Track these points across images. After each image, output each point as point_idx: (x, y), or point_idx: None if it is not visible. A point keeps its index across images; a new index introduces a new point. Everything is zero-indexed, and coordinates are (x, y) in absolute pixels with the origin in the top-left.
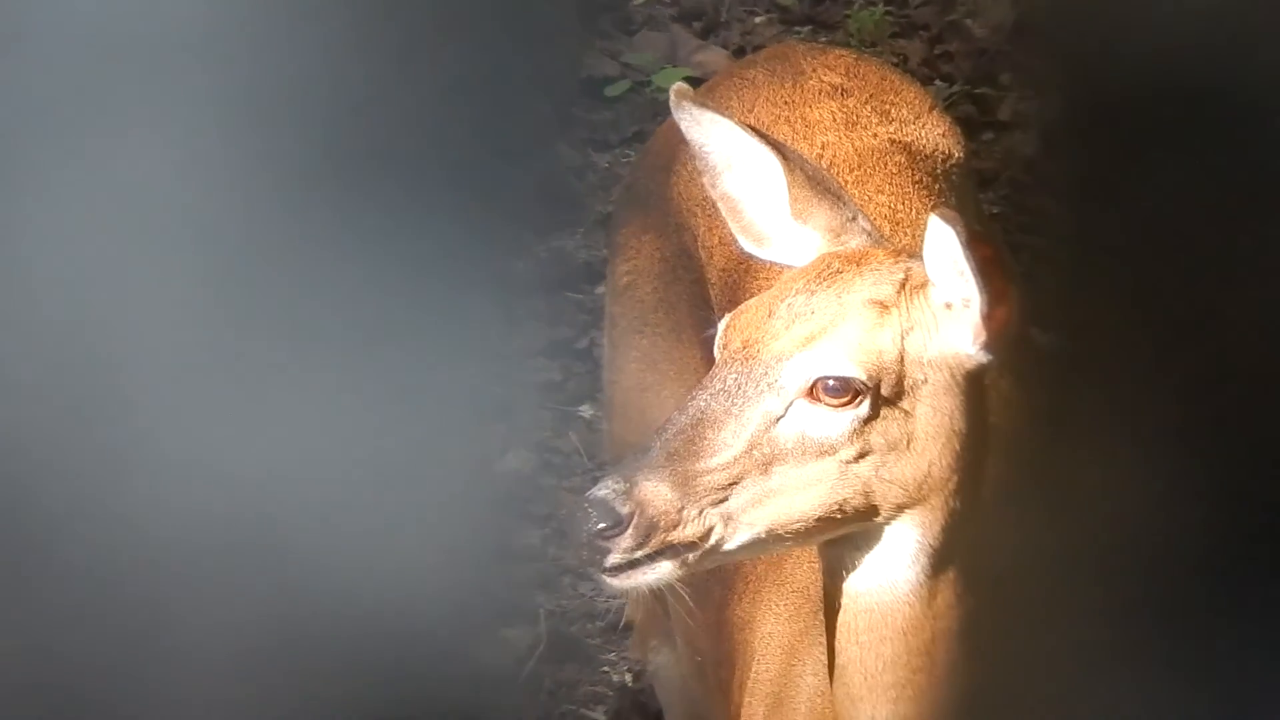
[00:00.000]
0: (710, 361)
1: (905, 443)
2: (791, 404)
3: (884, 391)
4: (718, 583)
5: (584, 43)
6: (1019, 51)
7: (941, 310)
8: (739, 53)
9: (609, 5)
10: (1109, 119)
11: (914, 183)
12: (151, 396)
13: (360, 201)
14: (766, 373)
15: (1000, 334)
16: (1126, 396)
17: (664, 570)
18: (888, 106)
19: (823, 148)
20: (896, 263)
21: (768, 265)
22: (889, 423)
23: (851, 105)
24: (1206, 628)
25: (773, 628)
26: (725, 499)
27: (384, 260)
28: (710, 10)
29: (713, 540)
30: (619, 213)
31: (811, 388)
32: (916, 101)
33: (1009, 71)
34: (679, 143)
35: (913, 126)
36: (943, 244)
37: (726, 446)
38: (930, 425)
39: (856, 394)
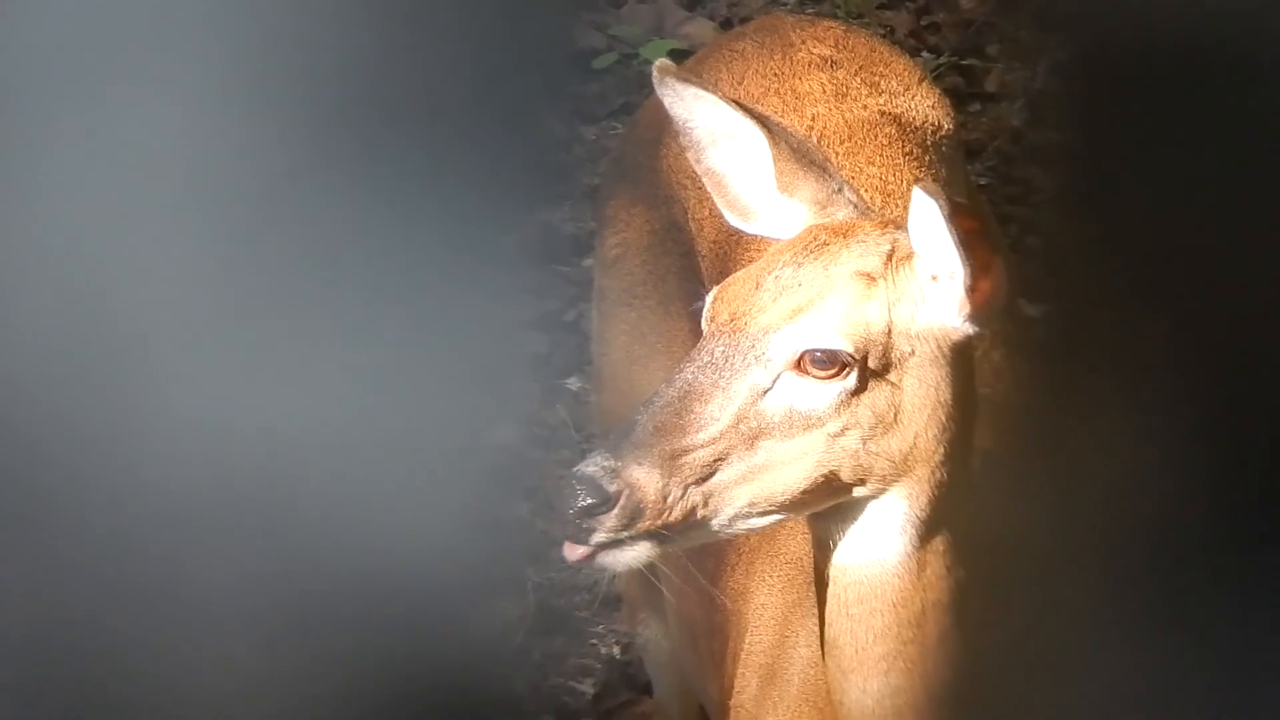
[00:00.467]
0: (698, 334)
1: (892, 415)
2: (779, 377)
3: (871, 364)
4: (710, 554)
5: (571, 15)
6: (1006, 23)
7: (927, 282)
8: (726, 24)
9: None
10: (1097, 89)
11: (904, 154)
12: (161, 358)
13: (349, 176)
14: (753, 345)
15: (985, 306)
16: (1123, 370)
17: (643, 549)
18: (877, 78)
19: (813, 119)
20: (883, 234)
21: (760, 237)
22: (876, 395)
23: (841, 77)
24: (1206, 600)
25: (766, 599)
26: (712, 474)
27: (368, 230)
28: None
29: (698, 517)
30: (607, 185)
31: (799, 360)
32: (906, 73)
33: (996, 43)
34: (668, 116)
35: (903, 98)
36: (926, 217)
37: (713, 420)
38: (917, 397)
39: (844, 366)
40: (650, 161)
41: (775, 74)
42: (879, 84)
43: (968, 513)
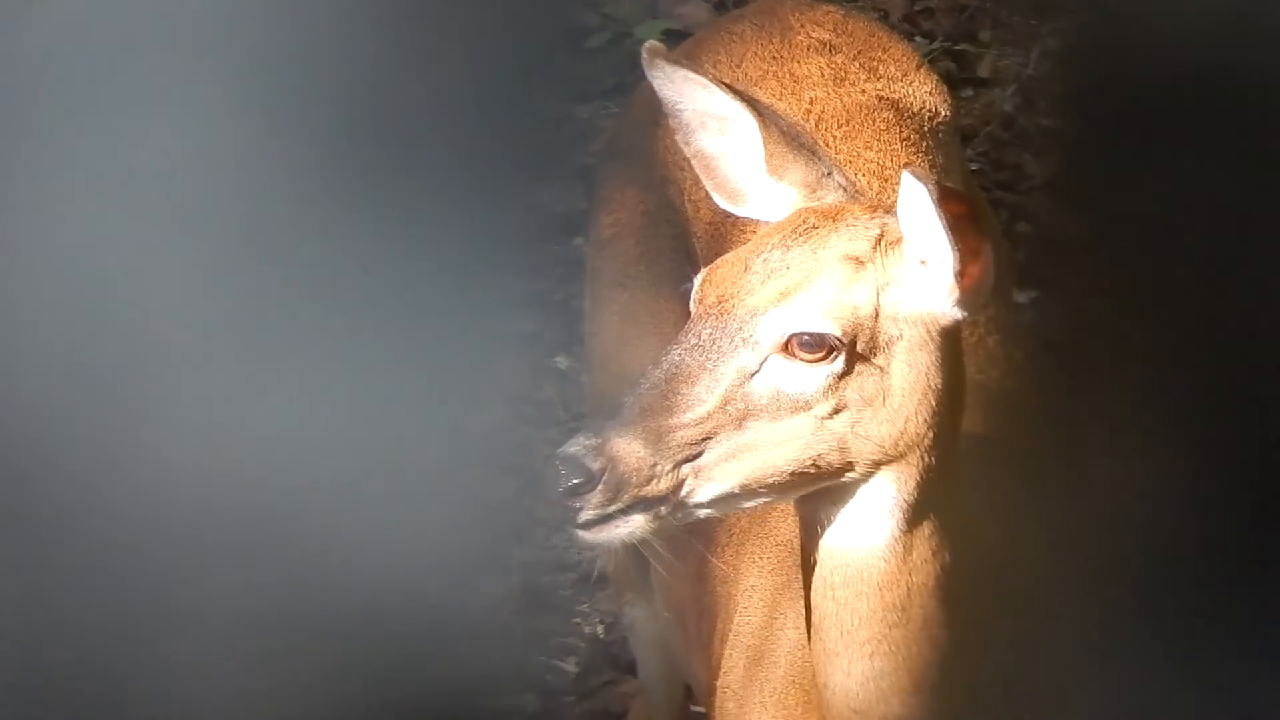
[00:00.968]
0: (689, 316)
1: (881, 399)
2: (766, 359)
3: (859, 347)
4: (700, 535)
5: None
6: (999, 8)
7: (916, 266)
8: (720, 6)
9: None
10: (1086, 78)
11: (901, 139)
12: (168, 368)
13: (340, 156)
14: (741, 328)
15: (974, 291)
16: (1114, 361)
17: (636, 524)
18: (876, 63)
19: (811, 103)
20: (872, 218)
21: (753, 221)
22: (864, 378)
23: (840, 61)
24: (1194, 595)
25: (755, 581)
26: (699, 454)
27: (365, 213)
28: None
29: (684, 493)
30: (602, 166)
31: (786, 343)
32: (904, 59)
33: (989, 28)
34: (659, 100)
35: (900, 83)
36: (915, 202)
37: (700, 402)
38: (906, 381)
39: (831, 349)
40: (646, 143)
41: (774, 57)
42: (877, 69)
43: (955, 498)
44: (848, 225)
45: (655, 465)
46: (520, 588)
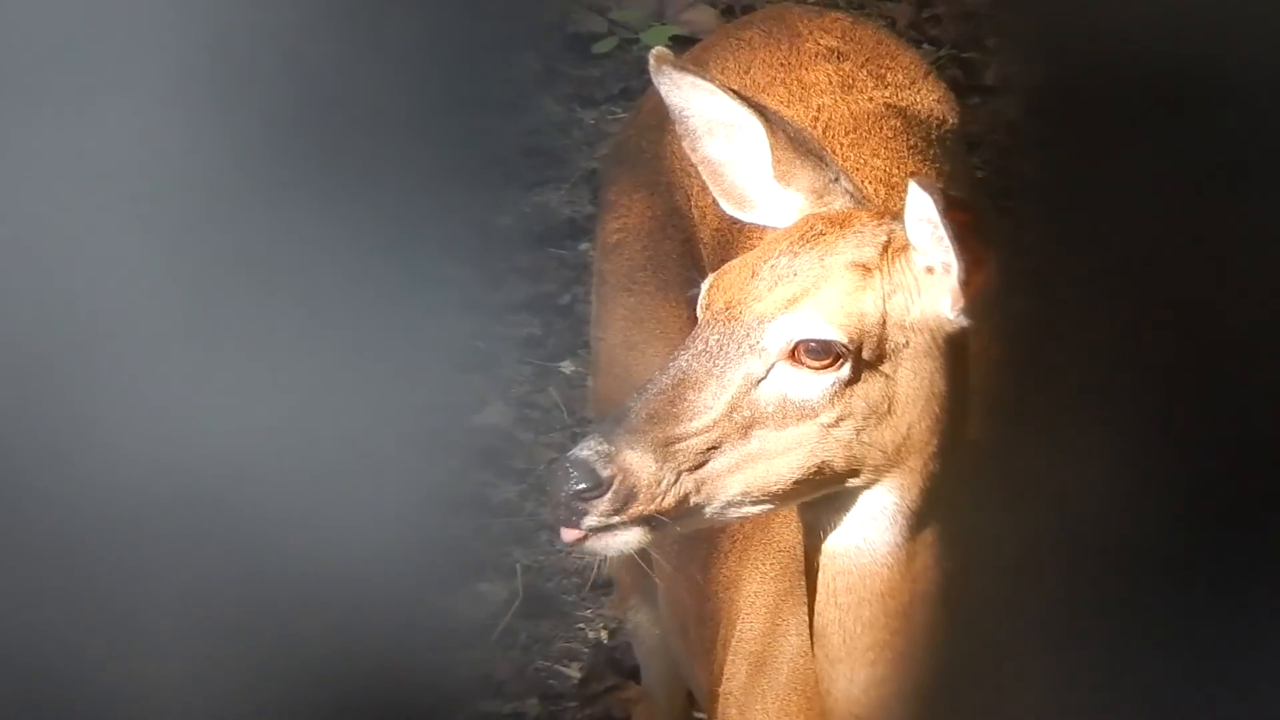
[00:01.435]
0: (696, 322)
1: (886, 406)
2: (773, 366)
3: (865, 355)
4: (702, 542)
5: None
6: (1006, 15)
7: (923, 274)
8: (727, 11)
9: None
10: (1096, 84)
11: (909, 147)
12: (121, 352)
13: (338, 153)
14: (748, 334)
15: (979, 299)
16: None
17: (634, 535)
18: (884, 71)
19: (819, 110)
20: (879, 225)
21: (760, 227)
22: (870, 386)
23: (848, 69)
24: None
25: (759, 587)
26: (706, 462)
27: (362, 213)
28: None
29: (690, 504)
30: (610, 170)
31: (793, 350)
32: (912, 67)
33: (995, 36)
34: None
35: (908, 91)
36: (921, 210)
37: (707, 409)
38: (911, 388)
39: (838, 357)
40: (653, 148)
41: (782, 64)
42: (885, 77)
43: (959, 505)
44: (855, 232)
45: (664, 479)
46: (523, 592)
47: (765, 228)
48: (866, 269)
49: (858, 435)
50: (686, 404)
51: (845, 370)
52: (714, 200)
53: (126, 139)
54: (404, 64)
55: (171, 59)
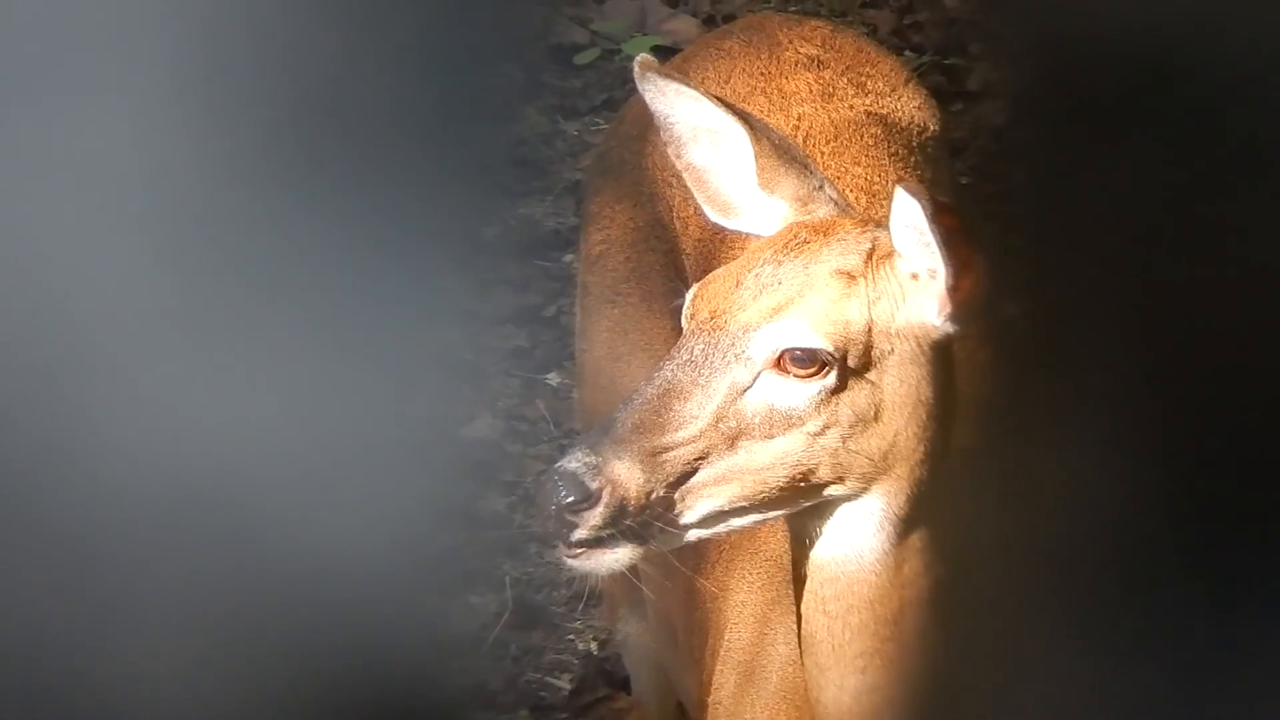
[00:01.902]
0: (680, 332)
1: (872, 413)
2: (759, 375)
3: (851, 362)
4: (689, 552)
5: (553, 9)
6: (989, 21)
7: (908, 281)
8: (709, 21)
9: None
10: (1079, 89)
11: (890, 155)
12: (114, 356)
13: (327, 164)
14: (734, 344)
15: (966, 305)
16: (1095, 369)
17: (624, 553)
18: (864, 79)
19: (799, 119)
20: (863, 232)
21: (743, 235)
22: (856, 394)
23: (828, 77)
24: (1174, 605)
25: (746, 596)
26: (693, 473)
27: (350, 224)
28: None
29: (676, 516)
30: (592, 182)
31: (779, 359)
32: (892, 74)
33: (979, 41)
34: (649, 111)
35: (889, 99)
36: (908, 217)
37: (693, 419)
38: (897, 395)
39: (824, 365)
40: (635, 159)
41: (762, 73)
42: (865, 84)
43: (947, 511)
44: (839, 240)
45: (651, 490)
46: (513, 604)
47: (747, 238)
48: (851, 276)
49: (844, 443)
50: (673, 414)
51: (831, 378)
52: (696, 210)
53: (121, 144)
54: (389, 77)
55: (163, 75)
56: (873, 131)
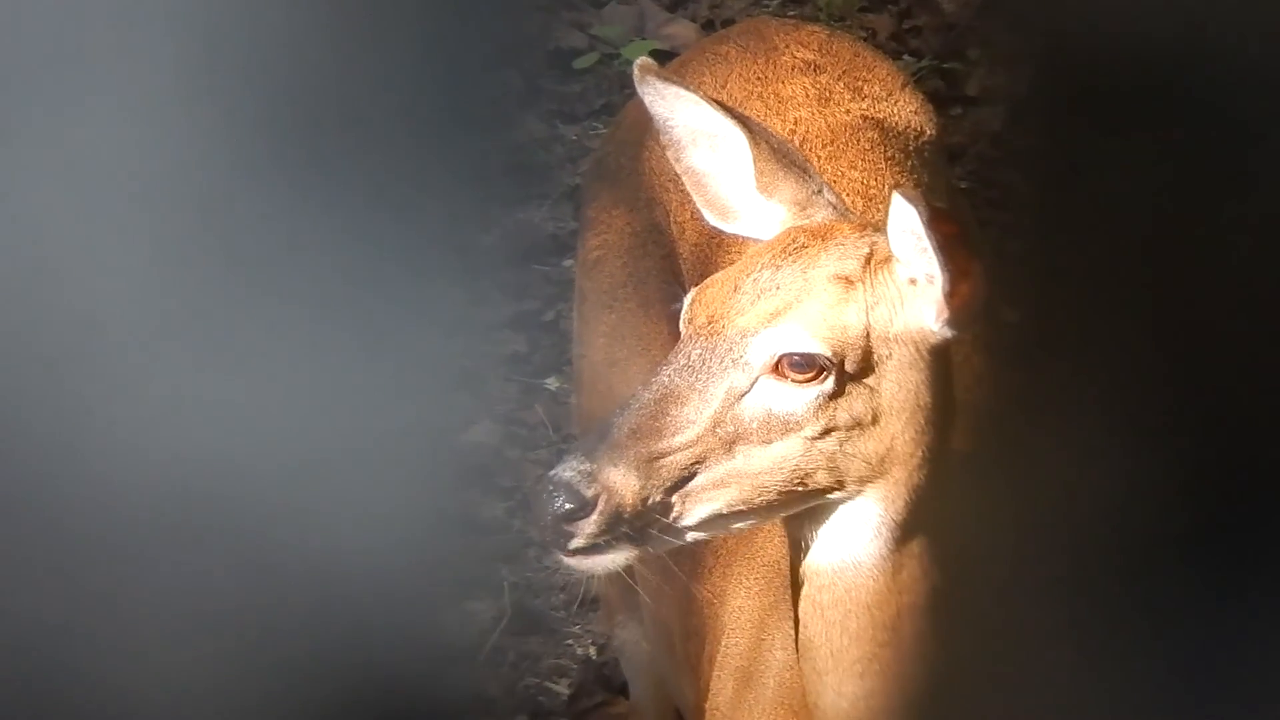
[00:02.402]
0: (678, 337)
1: (870, 418)
2: (756, 380)
3: (849, 367)
4: (686, 557)
5: (552, 14)
6: (987, 26)
7: (906, 286)
8: (708, 26)
9: None
10: (1078, 93)
11: (886, 159)
12: (115, 356)
13: (326, 169)
14: (731, 349)
15: (964, 310)
16: (1094, 374)
17: (622, 554)
18: (861, 83)
19: (795, 123)
20: (862, 237)
21: (740, 240)
22: (854, 399)
23: (825, 81)
24: (1175, 606)
25: (743, 602)
26: (690, 478)
27: (349, 229)
28: None
29: (673, 520)
30: (589, 187)
31: (776, 364)
32: (889, 78)
33: (977, 46)
34: (648, 115)
35: (885, 103)
36: (905, 222)
37: (690, 423)
38: (895, 400)
39: (821, 370)
40: (632, 164)
41: (759, 78)
42: (862, 89)
43: (945, 516)
44: (837, 244)
45: (648, 495)
46: (511, 609)
47: (744, 242)
48: (849, 281)
49: (842, 448)
50: (670, 419)
51: (829, 383)
52: (693, 214)
53: (123, 149)
54: (388, 83)
55: (165, 83)
56: (869, 136)
